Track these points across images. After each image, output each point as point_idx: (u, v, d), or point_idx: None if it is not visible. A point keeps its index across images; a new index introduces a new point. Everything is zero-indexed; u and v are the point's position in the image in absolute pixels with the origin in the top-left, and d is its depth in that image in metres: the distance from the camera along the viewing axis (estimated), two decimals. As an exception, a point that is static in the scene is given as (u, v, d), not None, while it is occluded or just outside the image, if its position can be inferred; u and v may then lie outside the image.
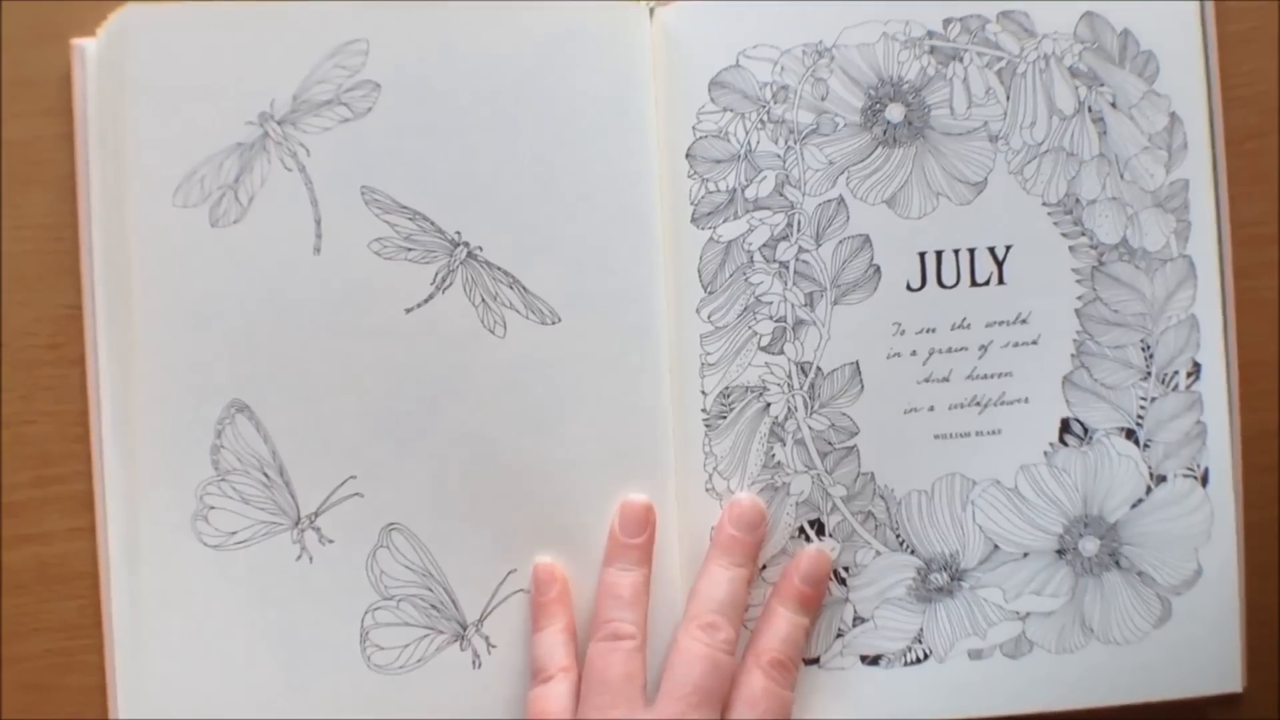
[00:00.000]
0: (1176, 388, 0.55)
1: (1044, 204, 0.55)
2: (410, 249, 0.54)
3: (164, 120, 0.53)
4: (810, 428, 0.55)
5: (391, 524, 0.54)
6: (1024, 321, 0.55)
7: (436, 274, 0.54)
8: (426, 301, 0.54)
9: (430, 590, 0.54)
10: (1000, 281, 0.55)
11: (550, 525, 0.54)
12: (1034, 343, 0.55)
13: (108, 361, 0.54)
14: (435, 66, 0.53)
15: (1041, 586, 0.55)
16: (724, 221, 0.55)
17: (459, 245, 0.54)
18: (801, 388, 0.55)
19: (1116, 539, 0.55)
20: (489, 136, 0.54)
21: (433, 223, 0.54)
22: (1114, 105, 0.55)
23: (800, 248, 0.54)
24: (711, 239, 0.55)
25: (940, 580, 0.55)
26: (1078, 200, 0.55)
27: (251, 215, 0.53)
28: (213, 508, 0.53)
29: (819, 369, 0.55)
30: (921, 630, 0.55)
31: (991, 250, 0.55)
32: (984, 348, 0.55)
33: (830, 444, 0.55)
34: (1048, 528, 0.55)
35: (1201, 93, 0.55)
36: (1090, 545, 0.55)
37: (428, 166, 0.53)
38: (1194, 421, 0.55)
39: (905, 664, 0.55)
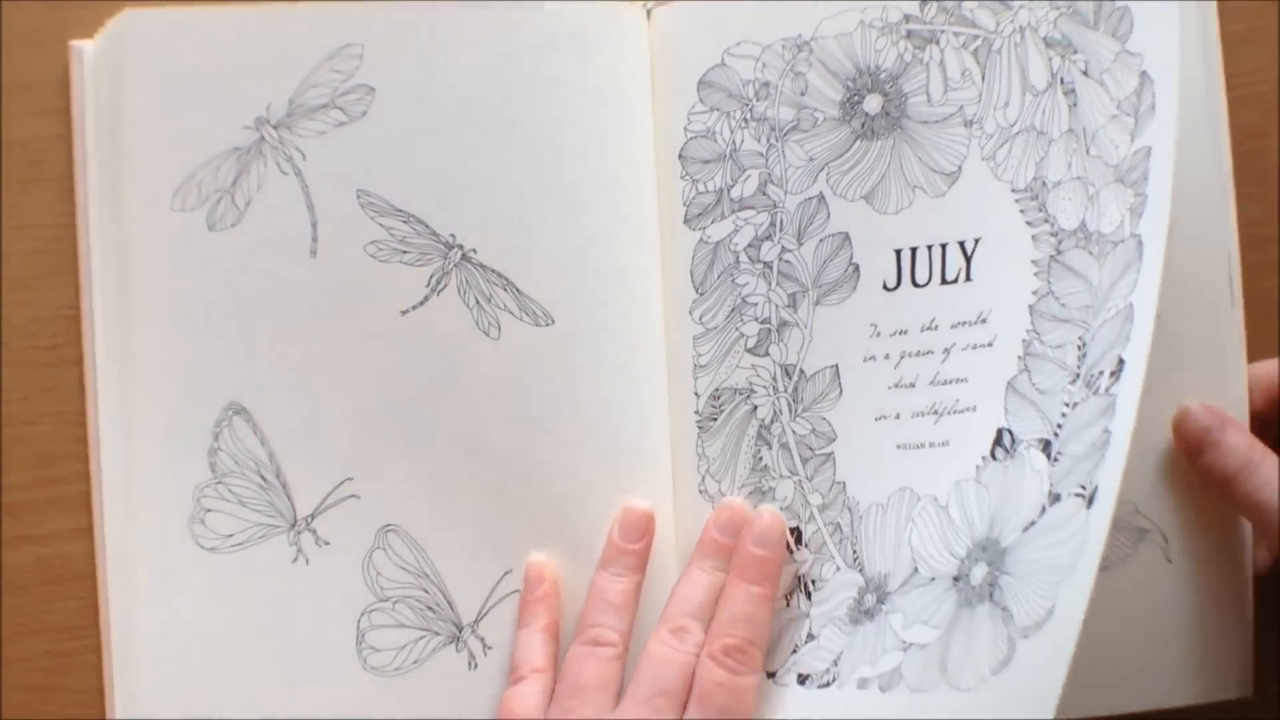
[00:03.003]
0: (1098, 390, 0.47)
1: (1013, 190, 0.51)
2: (405, 252, 0.54)
3: (161, 124, 0.53)
4: (794, 432, 0.54)
5: (387, 525, 0.54)
6: (984, 321, 0.51)
7: (431, 276, 0.54)
8: (421, 304, 0.54)
9: (426, 592, 0.54)
10: (968, 278, 0.52)
11: (546, 526, 0.54)
12: (989, 345, 0.51)
13: (106, 363, 0.54)
14: (430, 70, 0.53)
15: (930, 615, 0.49)
16: (712, 222, 0.54)
17: (453, 248, 0.54)
18: (786, 390, 0.54)
19: (1000, 567, 0.47)
20: (484, 139, 0.54)
21: (427, 225, 0.54)
22: (1085, 73, 0.50)
23: (783, 247, 0.54)
24: (701, 240, 0.54)
25: (869, 602, 0.52)
26: (1044, 184, 0.50)
27: (248, 219, 0.53)
28: (210, 510, 0.54)
29: (802, 371, 0.54)
30: (841, 654, 0.52)
31: (961, 245, 0.52)
32: (947, 351, 0.52)
33: (811, 450, 0.54)
34: (956, 550, 0.50)
35: (1176, 48, 0.48)
36: (979, 573, 0.48)
37: (423, 170, 0.54)
38: (1101, 430, 0.46)
39: (818, 686, 0.52)
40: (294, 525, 0.54)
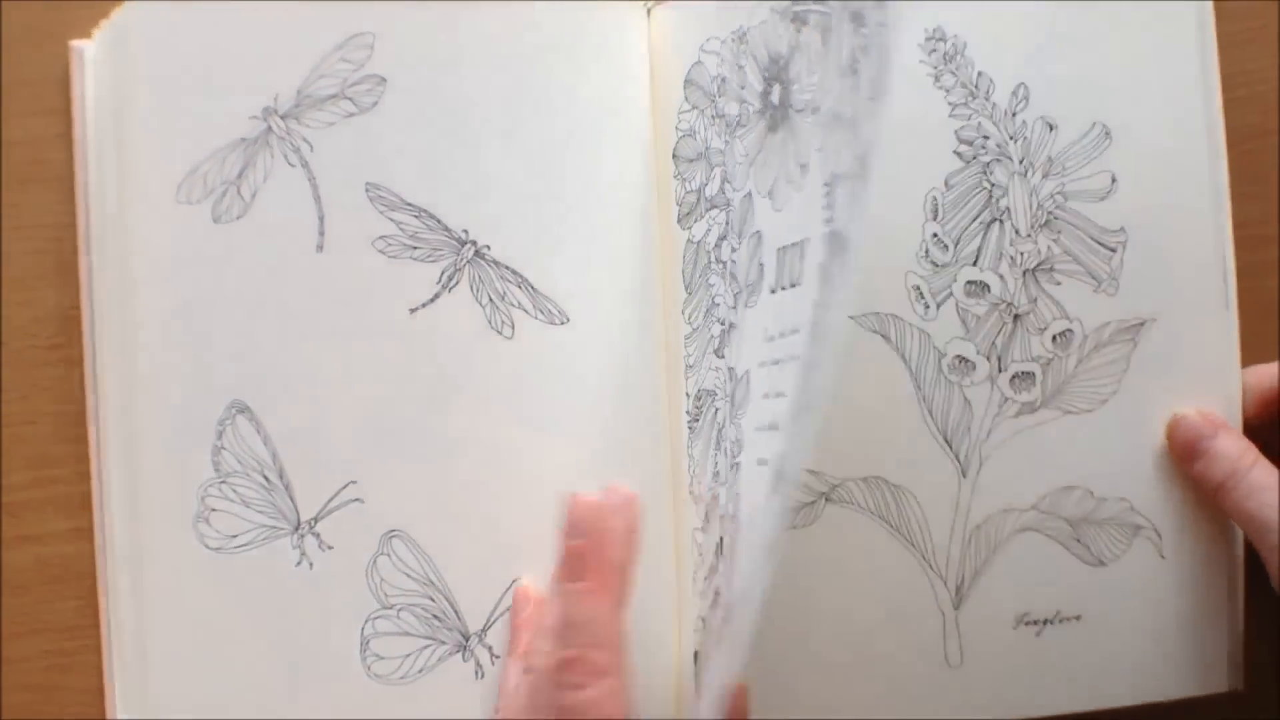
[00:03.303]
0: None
1: (823, 185, 0.43)
2: (415, 247, 0.53)
3: (166, 115, 0.53)
4: (730, 438, 0.50)
5: (392, 531, 0.53)
6: (796, 332, 0.43)
7: (443, 273, 0.53)
8: (432, 301, 0.53)
9: (432, 600, 0.53)
10: (801, 285, 0.45)
11: (556, 534, 0.53)
12: (793, 359, 0.43)
13: (107, 361, 0.53)
14: (441, 62, 0.53)
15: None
16: (695, 221, 0.53)
17: (466, 244, 0.53)
18: (730, 394, 0.51)
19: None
20: (497, 133, 0.53)
21: (439, 221, 0.53)
22: (864, 50, 0.40)
23: (731, 247, 0.52)
24: (689, 239, 0.54)
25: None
26: (834, 177, 0.42)
27: (254, 211, 0.53)
28: (214, 510, 0.53)
29: (735, 375, 0.50)
30: None
31: (800, 246, 0.45)
32: (779, 362, 0.45)
33: (732, 458, 0.49)
34: None
35: (897, 20, 0.38)
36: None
37: (434, 163, 0.53)
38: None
39: None
40: (297, 528, 0.53)
